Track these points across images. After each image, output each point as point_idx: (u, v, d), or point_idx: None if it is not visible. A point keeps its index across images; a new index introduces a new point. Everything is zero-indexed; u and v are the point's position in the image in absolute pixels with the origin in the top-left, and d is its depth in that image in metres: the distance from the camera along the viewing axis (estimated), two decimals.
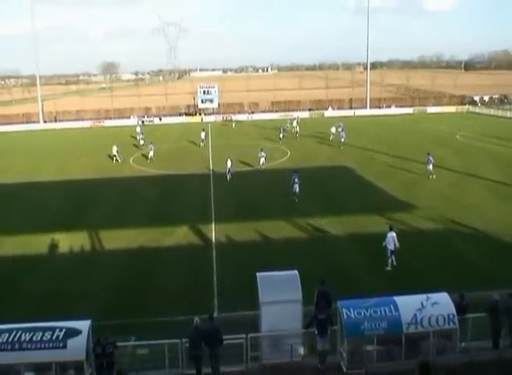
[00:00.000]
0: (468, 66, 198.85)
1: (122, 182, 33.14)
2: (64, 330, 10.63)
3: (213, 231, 22.50)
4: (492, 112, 68.53)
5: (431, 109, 73.65)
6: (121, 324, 13.81)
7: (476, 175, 31.64)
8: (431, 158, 31.26)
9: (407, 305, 11.45)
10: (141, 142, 46.98)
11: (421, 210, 24.56)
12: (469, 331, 11.91)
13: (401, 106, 75.61)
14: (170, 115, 72.82)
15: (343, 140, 43.16)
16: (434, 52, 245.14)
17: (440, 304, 11.45)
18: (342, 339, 11.58)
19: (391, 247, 17.71)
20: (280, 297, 12.00)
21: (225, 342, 11.23)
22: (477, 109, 72.46)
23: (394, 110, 72.99)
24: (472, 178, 31.05)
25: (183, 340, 11.31)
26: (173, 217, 24.73)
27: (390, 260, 17.81)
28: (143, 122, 66.87)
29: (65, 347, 10.39)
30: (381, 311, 11.30)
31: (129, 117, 70.71)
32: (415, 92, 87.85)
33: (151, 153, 40.03)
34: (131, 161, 40.51)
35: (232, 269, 18.13)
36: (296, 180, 26.76)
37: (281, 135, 47.46)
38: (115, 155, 40.32)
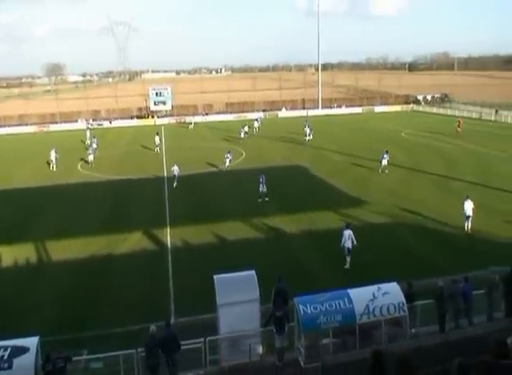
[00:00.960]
0: (412, 67, 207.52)
1: (70, 189, 32.06)
2: (9, 350, 9.91)
3: (168, 235, 22.25)
4: (435, 110, 71.95)
5: (378, 109, 76.34)
6: (72, 338, 13.31)
7: (422, 170, 33.11)
8: (385, 156, 32.80)
9: (360, 296, 11.83)
10: (93, 146, 45.59)
11: (371, 205, 25.44)
12: (418, 317, 12.51)
13: (351, 106, 77.84)
14: (121, 118, 71.23)
15: (309, 136, 46.05)
16: (380, 54, 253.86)
17: (390, 293, 11.91)
18: (299, 335, 11.80)
19: (348, 245, 18.03)
20: (238, 298, 12.03)
21: (183, 347, 11.14)
22: (420, 108, 75.81)
23: (344, 110, 75.02)
24: (418, 173, 32.47)
25: (139, 349, 11.12)
26: (126, 223, 24.21)
27: (348, 258, 18.06)
28: (90, 125, 65.22)
29: (10, 367, 9.68)
30: (335, 304, 11.61)
31: (77, 121, 68.59)
32: (363, 92, 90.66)
33: (91, 157, 39.43)
34: (79, 167, 39.31)
35: (188, 273, 18.01)
36: (261, 180, 27.43)
37: (242, 135, 47.92)
38: (52, 161, 38.40)
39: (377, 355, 6.99)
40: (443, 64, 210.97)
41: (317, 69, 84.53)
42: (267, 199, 27.16)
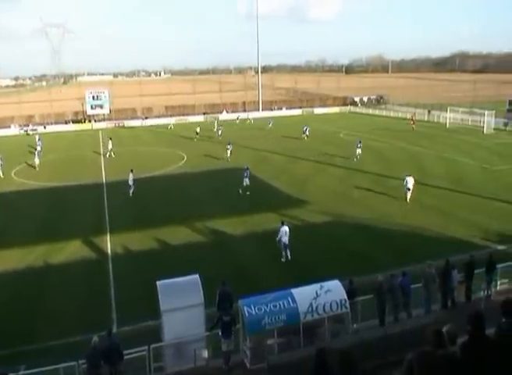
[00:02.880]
0: (349, 69, 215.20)
1: (3, 198, 30.26)
2: None
3: (108, 243, 21.53)
4: (371, 111, 74.89)
5: (317, 110, 78.30)
6: (8, 354, 12.64)
7: (360, 169, 34.31)
8: (359, 144, 37.43)
9: (303, 295, 12.02)
10: (38, 148, 43.27)
11: (311, 205, 25.98)
12: (359, 313, 12.91)
13: (291, 108, 79.23)
14: (56, 123, 68.11)
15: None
16: (318, 57, 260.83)
17: (333, 291, 12.19)
18: (244, 337, 11.81)
19: (284, 240, 18.76)
20: (182, 303, 11.90)
21: (127, 357, 10.86)
22: (357, 109, 78.64)
23: (285, 112, 76.22)
24: (356, 172, 33.61)
25: (81, 361, 10.68)
26: (63, 232, 23.16)
27: (284, 253, 18.81)
28: (26, 131, 61.94)
29: None
30: (280, 304, 11.73)
31: (10, 127, 64.81)
32: (303, 94, 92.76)
33: (37, 161, 37.94)
34: (13, 174, 37.16)
35: (130, 281, 17.51)
36: (246, 174, 28.71)
37: (219, 133, 50.22)
38: None
39: (320, 353, 7.09)
40: (378, 66, 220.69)
41: (257, 72, 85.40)
42: (248, 193, 28.10)
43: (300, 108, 79.57)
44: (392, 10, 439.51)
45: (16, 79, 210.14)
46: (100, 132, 60.24)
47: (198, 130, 51.17)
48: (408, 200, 25.84)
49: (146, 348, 11.38)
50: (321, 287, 12.26)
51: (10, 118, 68.49)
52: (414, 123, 53.86)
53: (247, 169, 29.52)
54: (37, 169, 37.91)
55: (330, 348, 8.44)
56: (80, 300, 16.32)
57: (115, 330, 13.55)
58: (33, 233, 23.08)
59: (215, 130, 53.47)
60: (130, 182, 29.17)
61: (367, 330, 12.29)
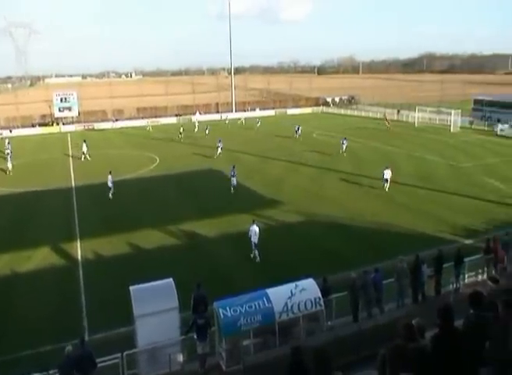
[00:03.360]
0: (321, 70, 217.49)
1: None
2: None
3: (78, 249, 21.03)
4: (342, 111, 75.87)
5: (290, 111, 78.76)
6: None
7: (332, 168, 34.68)
8: (345, 141, 39.73)
9: (278, 295, 12.05)
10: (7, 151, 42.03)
11: (285, 205, 26.10)
12: (333, 310, 13.02)
13: (264, 109, 79.42)
14: (23, 126, 66.22)
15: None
16: (291, 58, 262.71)
17: (307, 289, 12.27)
18: (220, 339, 11.74)
19: (254, 240, 18.93)
20: (156, 307, 11.72)
21: (100, 364, 10.64)
22: (330, 110, 79.53)
23: (258, 113, 76.31)
24: (329, 172, 33.96)
25: (53, 371, 10.40)
26: (31, 239, 22.39)
27: (255, 251, 18.94)
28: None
29: None
30: (255, 305, 11.72)
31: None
32: (276, 95, 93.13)
33: (9, 164, 37.47)
34: None
35: (102, 287, 17.13)
36: (233, 173, 29.00)
37: (181, 136, 50.01)
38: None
39: (295, 351, 7.11)
40: (349, 67, 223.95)
41: (230, 73, 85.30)
42: (232, 191, 28.79)
43: (274, 108, 79.87)
44: (363, 12, 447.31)
45: None
46: (69, 135, 58.95)
47: (181, 130, 51.61)
48: (387, 189, 28.50)
49: (119, 355, 11.18)
50: (296, 286, 12.32)
51: None
52: (389, 123, 55.01)
53: (234, 167, 29.67)
54: (11, 173, 36.86)
55: (305, 346, 8.48)
56: (49, 309, 15.86)
57: (86, 337, 13.23)
58: None
59: (196, 130, 53.85)
60: (110, 184, 28.84)
61: (341, 327, 12.41)
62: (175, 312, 12.03)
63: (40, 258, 20.28)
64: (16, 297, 16.90)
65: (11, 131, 63.25)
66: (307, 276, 12.93)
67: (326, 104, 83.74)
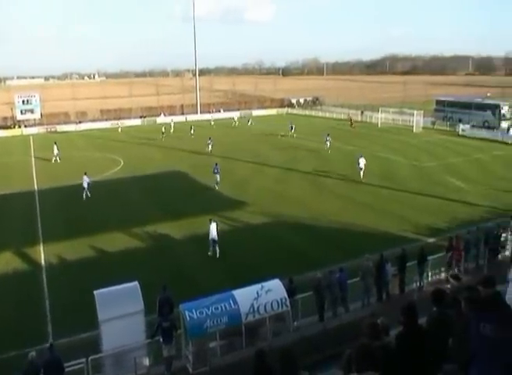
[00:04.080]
0: (285, 72, 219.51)
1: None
2: None
3: (42, 253, 20.48)
4: (307, 112, 76.76)
5: (255, 112, 78.92)
6: None
7: (296, 169, 35.08)
8: (328, 138, 41.37)
9: (245, 296, 12.14)
10: None
11: (251, 206, 26.19)
12: (299, 310, 13.19)
13: (229, 110, 79.34)
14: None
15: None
16: (256, 60, 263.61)
17: (273, 290, 12.41)
18: (186, 341, 11.71)
19: (213, 236, 19.55)
20: (121, 311, 11.63)
21: (66, 369, 10.51)
22: (295, 111, 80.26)
23: (223, 114, 76.17)
24: (293, 172, 34.33)
25: None
26: None
27: (211, 248, 19.44)
28: None
29: None
30: (221, 307, 11.77)
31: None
32: (241, 97, 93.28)
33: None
34: None
35: (66, 291, 16.77)
36: (216, 170, 29.84)
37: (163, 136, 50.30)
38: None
39: (260, 354, 7.17)
40: (314, 69, 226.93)
41: (194, 74, 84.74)
42: (217, 188, 29.52)
43: (238, 110, 79.87)
44: (328, 13, 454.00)
45: None
46: (31, 137, 57.09)
47: (163, 129, 52.30)
48: (362, 178, 30.77)
49: (84, 360, 11.03)
50: (262, 287, 12.43)
51: None
52: (352, 124, 56.34)
53: (216, 165, 30.34)
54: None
55: (270, 348, 8.57)
56: (12, 314, 15.44)
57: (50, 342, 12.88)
58: None
59: (172, 131, 54.49)
60: (85, 185, 28.53)
61: (307, 327, 12.60)
62: (140, 316, 11.95)
63: (2, 262, 19.66)
64: None
65: None
66: (273, 277, 13.06)
67: (291, 105, 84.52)
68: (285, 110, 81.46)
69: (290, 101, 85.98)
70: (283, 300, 12.32)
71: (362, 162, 31.14)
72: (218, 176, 29.94)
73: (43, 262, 19.69)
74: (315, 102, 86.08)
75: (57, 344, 12.55)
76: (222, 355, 11.35)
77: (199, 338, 11.40)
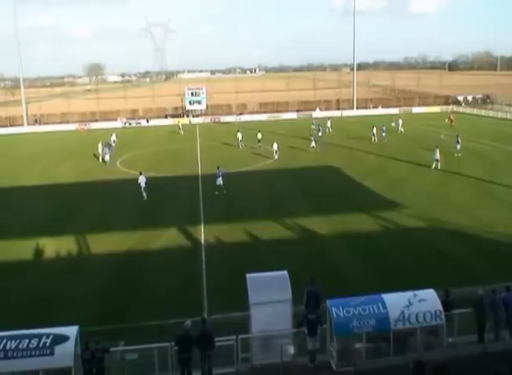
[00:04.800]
0: (452, 66, 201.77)
1: (108, 186, 32.91)
2: (51, 337, 10.42)
3: (202, 233, 22.48)
4: (476, 111, 69.57)
5: (416, 110, 74.48)
6: (109, 329, 13.65)
7: (458, 172, 32.15)
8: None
9: (395, 302, 11.62)
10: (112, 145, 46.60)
11: (406, 208, 24.86)
12: (455, 327, 12.12)
13: (387, 107, 76.33)
14: (157, 117, 72.53)
15: (384, 134, 46.21)
16: (419, 53, 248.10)
17: (427, 300, 11.64)
18: (331, 337, 11.69)
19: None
20: (270, 297, 12.01)
21: (216, 344, 11.23)
22: (461, 109, 73.46)
23: (381, 111, 73.65)
24: (456, 176, 31.54)
25: (173, 343, 11.29)
26: (161, 220, 24.64)
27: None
28: (124, 124, 66.85)
29: (52, 354, 10.19)
30: (369, 309, 11.46)
31: (116, 119, 70.36)
32: (401, 93, 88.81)
33: (107, 157, 40.86)
34: (118, 164, 40.29)
35: (221, 271, 18.15)
36: (219, 174, 29.25)
37: (320, 133, 47.74)
38: (99, 154, 41.37)
39: (418, 365, 6.80)
40: (485, 63, 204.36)
41: (352, 69, 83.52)
42: (225, 192, 28.76)
43: (397, 107, 76.33)
44: (504, 2, 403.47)
45: (123, 75, 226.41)
46: (197, 127, 62.93)
47: (318, 127, 49.83)
48: (434, 168, 32.21)
49: (234, 337, 11.67)
50: (415, 295, 11.77)
51: (117, 111, 74.40)
52: (451, 121, 51.33)
53: (219, 168, 29.77)
54: (108, 164, 40.07)
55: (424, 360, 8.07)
56: (174, 285, 17.27)
57: (205, 317, 14.08)
58: (134, 220, 24.82)
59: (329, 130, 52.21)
60: (143, 184, 28.68)
61: (463, 346, 11.53)
62: (288, 305, 12.19)
63: (169, 237, 22.12)
64: (146, 271, 18.74)
65: (148, 121, 69.77)
66: (426, 286, 12.25)
67: (457, 103, 77.56)
68: (450, 108, 75.09)
69: (457, 99, 78.96)
70: (437, 312, 11.48)
71: (437, 153, 31.70)
72: (220, 179, 29.01)
73: (203, 241, 21.62)
74: (486, 101, 77.60)
75: (209, 319, 13.72)
76: (367, 357, 11.08)
77: (344, 337, 11.29)
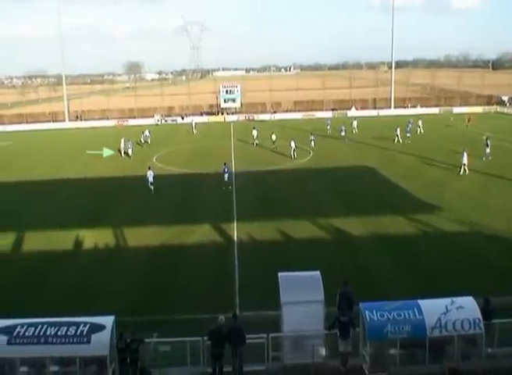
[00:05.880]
0: (496, 65, 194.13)
1: (145, 180, 33.46)
2: (88, 325, 10.71)
3: (235, 230, 22.57)
4: None
5: (457, 109, 72.10)
6: (143, 320, 13.95)
7: (504, 177, 30.91)
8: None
9: (431, 308, 11.31)
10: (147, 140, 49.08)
11: (445, 212, 24.10)
12: (496, 337, 11.64)
13: (426, 106, 74.33)
14: (193, 114, 73.33)
15: (408, 135, 45.82)
16: (460, 51, 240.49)
17: (465, 308, 11.26)
18: (364, 341, 11.48)
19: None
20: (302, 297, 11.91)
21: (247, 341, 11.25)
22: (505, 110, 70.58)
23: (419, 110, 71.75)
24: (500, 180, 30.35)
25: (205, 338, 11.37)
26: (195, 215, 24.94)
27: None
28: (158, 121, 68.64)
29: (89, 342, 10.46)
30: (404, 314, 11.19)
31: (153, 116, 71.61)
32: (441, 92, 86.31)
33: (130, 151, 42.70)
34: (154, 159, 40.98)
35: (253, 269, 18.16)
36: (226, 170, 29.93)
37: (343, 133, 47.58)
38: (122, 149, 43.25)
39: (454, 372, 6.56)
40: None
41: (390, 67, 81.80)
42: (230, 188, 29.43)
43: (437, 106, 74.21)
44: None
45: (160, 73, 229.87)
46: (231, 124, 63.24)
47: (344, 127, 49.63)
48: (460, 173, 31.01)
49: (265, 335, 11.65)
50: (453, 302, 11.41)
51: (154, 109, 75.73)
52: (469, 121, 49.74)
53: (225, 165, 30.52)
54: (131, 158, 41.71)
55: (460, 370, 7.78)
56: (207, 280, 17.43)
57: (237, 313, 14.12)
58: (168, 215, 25.21)
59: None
60: (150, 179, 29.53)
61: (505, 357, 11.06)
62: (320, 305, 12.03)
63: (202, 233, 22.35)
64: (181, 266, 19.00)
65: (183, 118, 70.69)
66: (464, 293, 11.86)
67: (501, 103, 74.60)
68: (493, 108, 72.33)
69: (501, 99, 75.90)
70: (476, 321, 11.07)
71: (465, 157, 30.70)
72: (226, 176, 29.70)
73: (235, 238, 21.69)
74: None
75: (240, 316, 13.74)
76: (401, 364, 10.81)
77: (378, 341, 11.06)
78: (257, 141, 46.04)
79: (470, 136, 47.18)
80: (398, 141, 44.71)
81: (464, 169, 31.55)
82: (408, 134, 45.73)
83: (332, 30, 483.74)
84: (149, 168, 30.42)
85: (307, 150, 41.82)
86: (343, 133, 47.65)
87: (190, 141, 50.78)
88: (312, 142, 41.75)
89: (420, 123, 50.35)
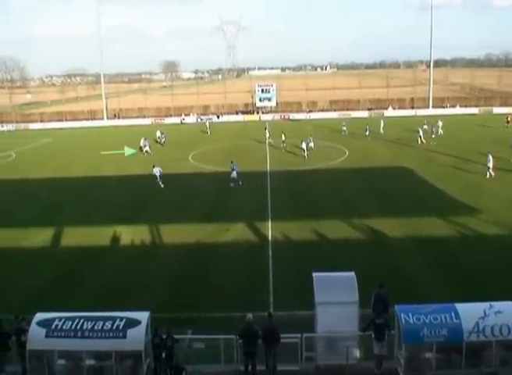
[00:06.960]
0: None
1: (181, 178, 34.14)
2: (124, 320, 10.86)
3: (269, 229, 22.69)
4: None
5: (497, 110, 69.70)
6: (178, 317, 14.11)
7: None
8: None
9: (469, 312, 11.11)
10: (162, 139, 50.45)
11: (484, 214, 23.49)
12: None
13: (465, 106, 72.24)
14: (228, 113, 73.95)
15: (433, 136, 45.24)
16: (501, 50, 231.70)
17: (504, 313, 11.01)
18: (399, 344, 11.40)
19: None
20: (336, 298, 11.90)
21: (281, 340, 11.35)
22: None
23: (458, 110, 69.85)
24: None
25: (237, 336, 11.54)
26: (230, 214, 25.22)
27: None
28: (183, 120, 69.91)
29: (124, 337, 10.59)
30: (441, 318, 11.04)
31: (189, 115, 72.62)
32: (481, 92, 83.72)
33: (147, 148, 44.28)
34: (190, 158, 41.65)
35: (287, 268, 18.25)
36: (234, 167, 30.56)
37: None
38: (141, 147, 44.46)
39: None
40: None
41: (428, 66, 79.91)
42: (237, 184, 30.21)
43: (477, 106, 72.00)
44: None
45: (196, 72, 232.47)
46: (267, 124, 63.45)
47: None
48: (487, 175, 29.88)
49: (299, 335, 11.71)
50: (491, 306, 11.17)
51: (190, 107, 76.81)
52: (508, 122, 47.97)
53: (232, 162, 31.18)
54: (147, 155, 42.98)
55: None
56: (240, 279, 17.60)
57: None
58: (203, 212, 25.61)
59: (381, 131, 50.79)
60: (158, 173, 31.34)
61: None
62: (354, 307, 12.01)
63: (237, 232, 22.57)
64: (216, 264, 19.28)
65: (218, 117, 71.41)
66: (504, 298, 11.58)
67: None
68: None
69: None
70: None
71: (491, 160, 29.63)
72: (234, 173, 30.25)
73: (270, 237, 21.81)
74: None
75: (275, 315, 13.86)
76: (437, 368, 10.69)
77: (413, 345, 10.97)
78: (270, 140, 46.50)
79: (509, 137, 45.53)
80: (422, 142, 43.70)
81: (490, 173, 30.20)
82: (433, 135, 44.92)
83: (368, 28, 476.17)
84: (153, 166, 32.08)
85: (341, 150, 41.55)
86: (367, 133, 47.65)
87: (226, 139, 51.28)
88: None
89: (440, 123, 48.31)
